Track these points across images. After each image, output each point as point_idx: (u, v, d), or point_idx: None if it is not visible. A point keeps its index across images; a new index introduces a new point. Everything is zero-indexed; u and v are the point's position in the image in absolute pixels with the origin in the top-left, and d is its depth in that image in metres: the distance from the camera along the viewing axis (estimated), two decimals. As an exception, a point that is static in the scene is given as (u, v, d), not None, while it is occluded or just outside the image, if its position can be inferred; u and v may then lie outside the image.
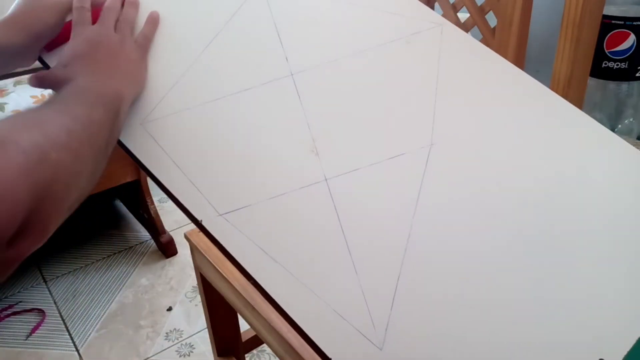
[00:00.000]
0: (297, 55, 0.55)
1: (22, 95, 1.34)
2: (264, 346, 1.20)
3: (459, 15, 0.85)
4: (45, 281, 1.53)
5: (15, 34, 0.51)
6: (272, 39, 0.56)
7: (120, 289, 1.48)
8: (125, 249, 1.64)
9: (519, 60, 0.75)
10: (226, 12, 0.58)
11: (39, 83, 0.49)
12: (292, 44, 0.55)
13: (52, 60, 0.55)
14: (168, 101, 0.53)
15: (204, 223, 0.47)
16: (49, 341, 1.32)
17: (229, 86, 0.53)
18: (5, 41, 0.51)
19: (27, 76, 1.56)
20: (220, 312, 0.89)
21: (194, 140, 0.51)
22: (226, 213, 0.47)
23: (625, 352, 0.42)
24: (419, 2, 0.59)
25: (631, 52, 0.90)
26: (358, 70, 0.54)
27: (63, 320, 1.39)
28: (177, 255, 1.61)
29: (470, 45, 0.56)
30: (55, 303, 1.44)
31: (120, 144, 0.51)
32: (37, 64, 0.57)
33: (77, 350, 1.29)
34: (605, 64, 0.92)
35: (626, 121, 0.99)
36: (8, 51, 0.51)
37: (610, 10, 0.89)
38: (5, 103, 1.30)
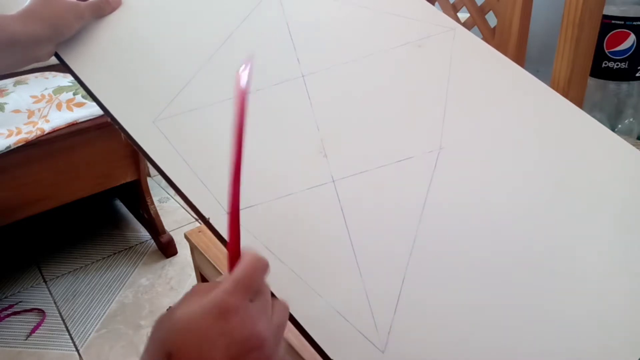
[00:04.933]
0: (309, 57, 0.55)
1: (22, 95, 1.34)
2: (264, 346, 1.20)
3: (459, 15, 0.85)
4: (45, 281, 1.53)
5: (33, 24, 0.52)
6: (284, 40, 0.56)
7: (120, 289, 1.48)
8: (125, 249, 1.64)
9: (519, 60, 0.75)
10: (240, 14, 0.58)
11: None
12: (304, 46, 0.55)
13: (75, 63, 0.56)
14: (180, 100, 0.53)
15: (211, 221, 0.47)
16: (49, 341, 1.32)
17: None
18: (24, 31, 0.52)
19: (27, 76, 1.57)
20: (220, 312, 0.89)
21: (205, 139, 0.51)
22: None
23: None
24: (432, 6, 0.59)
25: (631, 52, 0.90)
26: (369, 72, 0.54)
27: (63, 320, 1.39)
28: (177, 255, 1.61)
29: (482, 49, 0.56)
30: (55, 303, 1.44)
31: (132, 140, 0.52)
32: (51, 61, 0.58)
33: (77, 350, 1.29)
34: (605, 64, 0.92)
35: (626, 121, 0.99)
36: (26, 41, 0.52)
37: (610, 10, 0.89)
38: (5, 103, 1.30)
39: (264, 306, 0.33)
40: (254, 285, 0.33)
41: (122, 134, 0.53)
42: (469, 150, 0.50)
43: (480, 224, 0.47)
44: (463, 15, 0.83)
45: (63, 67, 0.57)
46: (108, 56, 0.57)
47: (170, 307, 0.32)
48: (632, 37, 0.89)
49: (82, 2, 0.56)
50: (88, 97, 0.57)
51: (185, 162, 0.50)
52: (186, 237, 0.82)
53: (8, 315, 1.40)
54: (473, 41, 0.56)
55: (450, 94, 0.52)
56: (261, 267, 0.35)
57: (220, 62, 0.55)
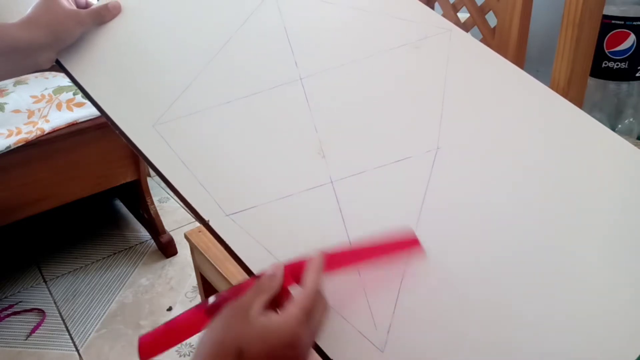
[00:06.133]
0: (306, 60, 0.55)
1: (22, 95, 1.34)
2: (264, 346, 1.20)
3: (459, 15, 0.85)
4: (45, 281, 1.53)
5: (35, 31, 0.53)
6: (282, 44, 0.56)
7: (120, 289, 1.48)
8: (125, 249, 1.64)
9: (519, 60, 0.75)
10: (238, 18, 0.58)
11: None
12: (301, 49, 0.56)
13: (75, 69, 0.56)
14: (180, 104, 0.53)
15: (211, 223, 0.47)
16: (49, 341, 1.32)
17: (240, 90, 0.54)
18: (26, 37, 0.52)
19: (27, 76, 1.56)
20: (220, 312, 0.89)
21: (204, 142, 0.52)
22: (233, 213, 0.48)
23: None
24: (428, 8, 0.59)
25: (631, 52, 0.90)
26: (366, 74, 0.54)
27: (63, 320, 1.39)
28: (177, 255, 1.61)
29: (478, 50, 0.56)
30: (55, 303, 1.44)
31: (131, 144, 0.52)
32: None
33: (77, 350, 1.29)
34: (605, 64, 0.92)
35: (626, 121, 0.99)
36: (28, 48, 0.53)
37: (610, 10, 0.89)
38: (5, 103, 1.30)
39: (315, 328, 0.38)
40: (315, 310, 0.38)
41: (121, 138, 0.53)
42: (466, 150, 0.50)
43: (478, 223, 0.47)
44: (463, 15, 0.83)
45: (64, 73, 0.57)
46: (108, 62, 0.57)
47: (236, 304, 0.37)
48: (632, 37, 0.88)
49: (83, 10, 0.57)
50: (88, 97, 0.57)
51: (185, 165, 0.50)
52: (186, 237, 0.82)
53: (8, 315, 1.40)
54: (469, 42, 0.57)
55: (448, 94, 0.53)
56: (320, 293, 0.39)
57: (219, 66, 0.55)
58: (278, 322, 0.36)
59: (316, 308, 0.38)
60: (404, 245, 0.44)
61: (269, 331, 0.35)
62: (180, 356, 1.25)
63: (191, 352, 1.27)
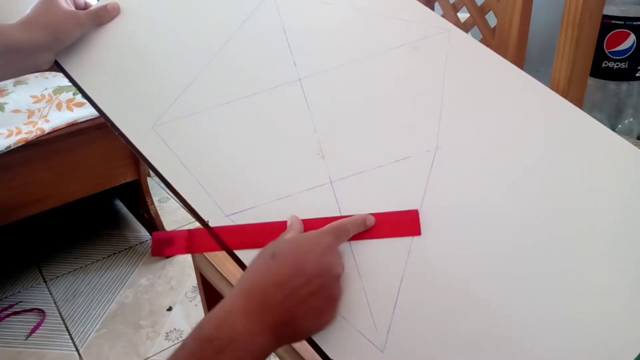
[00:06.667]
0: (305, 60, 0.55)
1: (22, 95, 1.34)
2: (264, 346, 1.20)
3: (459, 15, 0.85)
4: (45, 281, 1.53)
5: (34, 32, 0.53)
6: (281, 44, 0.56)
7: (120, 289, 1.48)
8: (125, 249, 1.64)
9: (519, 60, 0.75)
10: (237, 19, 0.58)
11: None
12: (300, 50, 0.56)
13: (74, 70, 0.56)
14: (179, 105, 0.54)
15: (210, 223, 0.47)
16: (49, 341, 1.32)
17: (238, 90, 0.54)
18: (25, 38, 0.53)
19: (27, 76, 1.56)
20: (220, 312, 0.89)
21: (203, 143, 0.52)
22: (233, 214, 0.48)
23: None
24: (427, 8, 0.59)
25: (631, 52, 0.90)
26: (365, 74, 0.54)
27: (63, 320, 1.39)
28: (177, 255, 1.61)
29: (477, 50, 0.56)
30: (55, 303, 1.44)
31: (131, 145, 0.52)
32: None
33: (77, 350, 1.29)
34: (605, 64, 0.92)
35: (626, 121, 0.99)
36: (27, 49, 0.53)
37: (610, 10, 0.89)
38: (5, 103, 1.30)
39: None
40: (344, 236, 0.45)
41: (121, 139, 0.53)
42: (465, 150, 0.50)
43: (478, 223, 0.47)
44: (463, 15, 0.83)
45: (63, 74, 0.57)
46: (107, 63, 0.57)
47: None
48: (632, 37, 0.88)
49: (82, 11, 0.57)
50: (88, 97, 0.57)
51: (185, 166, 0.50)
52: (186, 237, 0.82)
53: (8, 315, 1.40)
54: (468, 42, 0.57)
55: (446, 94, 0.53)
56: (358, 227, 0.46)
57: (219, 67, 0.56)
58: (308, 233, 0.43)
59: (344, 238, 0.44)
60: (406, 220, 0.47)
61: (298, 238, 0.42)
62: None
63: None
